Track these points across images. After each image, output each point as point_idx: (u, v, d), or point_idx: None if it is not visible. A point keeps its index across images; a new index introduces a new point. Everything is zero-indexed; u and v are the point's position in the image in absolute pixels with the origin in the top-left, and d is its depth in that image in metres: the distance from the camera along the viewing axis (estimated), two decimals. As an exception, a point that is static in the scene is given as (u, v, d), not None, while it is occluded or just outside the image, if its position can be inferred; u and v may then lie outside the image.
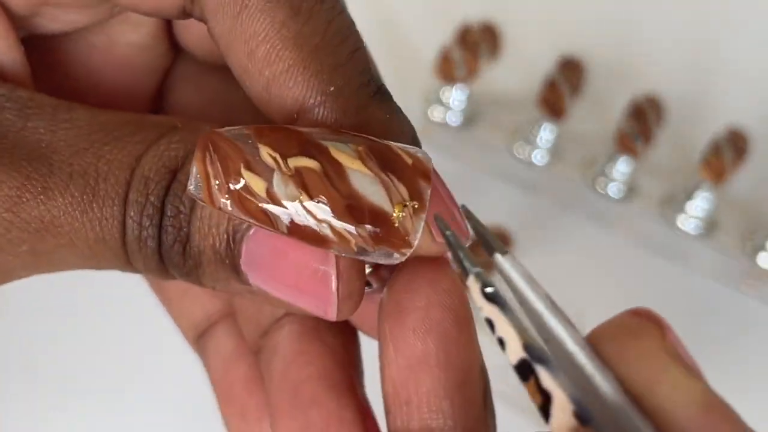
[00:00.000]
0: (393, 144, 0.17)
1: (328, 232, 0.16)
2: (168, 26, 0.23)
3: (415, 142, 0.18)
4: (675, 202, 0.52)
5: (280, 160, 0.16)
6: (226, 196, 0.16)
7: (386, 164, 0.16)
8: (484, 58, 0.54)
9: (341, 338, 0.22)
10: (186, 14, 0.18)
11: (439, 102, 0.55)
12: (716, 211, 0.51)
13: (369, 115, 0.17)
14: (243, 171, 0.16)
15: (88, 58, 0.22)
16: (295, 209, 0.16)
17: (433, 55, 0.54)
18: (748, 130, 0.51)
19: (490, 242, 0.16)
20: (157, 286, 0.25)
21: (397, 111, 0.18)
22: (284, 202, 0.16)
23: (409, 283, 0.18)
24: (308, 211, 0.16)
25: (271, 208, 0.16)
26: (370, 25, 0.64)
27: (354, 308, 0.18)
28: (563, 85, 0.52)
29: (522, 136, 0.54)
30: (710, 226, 0.51)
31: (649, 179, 0.54)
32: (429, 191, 0.17)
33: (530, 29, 0.63)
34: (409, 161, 0.17)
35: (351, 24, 0.18)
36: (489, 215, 0.50)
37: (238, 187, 0.16)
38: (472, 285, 0.16)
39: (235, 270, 0.17)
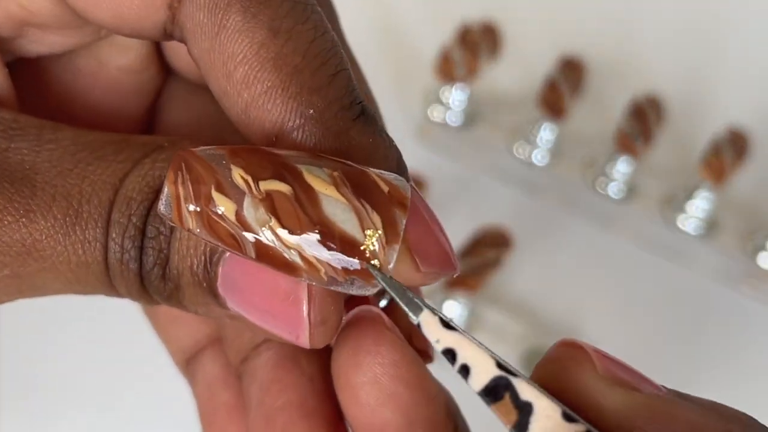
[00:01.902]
0: (371, 170, 0.16)
1: (297, 259, 0.15)
2: (158, 48, 0.23)
3: (400, 167, 0.18)
4: (675, 202, 0.52)
5: (251, 183, 0.15)
6: (196, 217, 0.16)
7: (361, 191, 0.16)
8: (484, 58, 0.54)
9: (320, 365, 0.21)
10: (168, 35, 0.18)
11: (439, 102, 0.55)
12: (716, 211, 0.51)
13: (350, 139, 0.17)
14: (213, 192, 0.15)
15: (76, 81, 0.22)
16: (264, 234, 0.15)
17: (433, 55, 0.54)
18: (748, 130, 0.51)
19: (415, 301, 0.16)
20: (148, 311, 0.25)
21: (379, 134, 0.17)
22: (253, 226, 0.15)
23: (354, 356, 0.18)
24: (278, 237, 0.15)
25: (239, 233, 0.15)
26: (370, 26, 0.64)
27: (330, 336, 0.17)
28: (563, 85, 0.52)
29: (522, 136, 0.54)
30: (710, 226, 0.51)
31: (649, 179, 0.54)
32: (404, 221, 0.16)
33: (530, 29, 0.63)
34: (386, 189, 0.16)
35: (334, 45, 0.17)
36: (489, 215, 0.50)
37: (207, 209, 0.16)
38: (428, 319, 0.15)
39: (213, 293, 0.17)
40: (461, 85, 0.54)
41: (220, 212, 0.15)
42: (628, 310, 0.50)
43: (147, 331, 0.25)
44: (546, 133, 0.53)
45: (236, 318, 0.17)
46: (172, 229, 0.17)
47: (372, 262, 0.16)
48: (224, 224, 0.16)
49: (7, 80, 0.19)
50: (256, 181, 0.15)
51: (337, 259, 0.15)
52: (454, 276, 0.18)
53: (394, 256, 0.16)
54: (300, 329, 0.17)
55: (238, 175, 0.16)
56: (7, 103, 0.19)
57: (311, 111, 0.17)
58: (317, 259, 0.15)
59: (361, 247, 0.16)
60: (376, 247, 0.16)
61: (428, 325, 0.16)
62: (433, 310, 0.16)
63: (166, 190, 0.16)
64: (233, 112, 0.17)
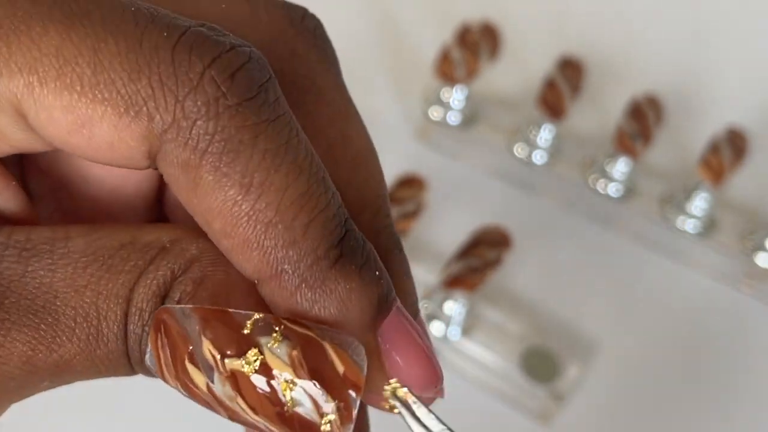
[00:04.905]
0: (330, 347, 0.17)
1: (263, 428, 0.17)
2: None
3: (381, 303, 0.18)
4: (674, 202, 0.52)
5: (218, 360, 0.16)
6: (176, 381, 0.17)
7: (317, 374, 0.16)
8: (484, 58, 0.54)
9: None
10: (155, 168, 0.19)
11: (439, 102, 0.55)
12: (715, 210, 0.52)
13: (324, 290, 0.17)
14: (187, 364, 0.17)
15: (89, 164, 0.23)
16: (232, 406, 0.17)
17: (433, 55, 0.54)
18: (747, 130, 0.51)
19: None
20: None
21: (359, 274, 0.18)
22: (221, 399, 0.17)
23: None
24: (244, 411, 0.17)
25: (210, 400, 0.17)
26: (370, 25, 0.64)
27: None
28: (563, 85, 0.52)
29: (522, 136, 0.54)
30: (709, 225, 0.52)
31: (648, 179, 0.54)
32: (358, 402, 0.17)
33: (530, 29, 0.63)
34: (341, 369, 0.17)
35: (310, 186, 0.17)
36: (489, 215, 0.50)
37: (183, 374, 0.17)
38: None
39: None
40: (461, 85, 0.54)
41: (194, 382, 0.17)
42: (627, 309, 0.50)
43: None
44: (546, 133, 0.54)
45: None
46: None
47: None
48: (198, 391, 0.17)
49: (19, 193, 0.20)
50: (223, 358, 0.16)
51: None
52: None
53: None
54: None
55: (207, 349, 0.17)
56: (22, 215, 0.20)
57: (286, 266, 0.17)
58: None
59: (319, 429, 0.16)
60: (331, 430, 0.16)
61: None
62: None
63: (149, 348, 0.17)
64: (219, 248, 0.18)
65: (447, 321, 0.45)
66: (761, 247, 0.50)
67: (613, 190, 0.53)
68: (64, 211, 0.23)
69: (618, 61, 0.62)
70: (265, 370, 0.16)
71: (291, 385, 0.16)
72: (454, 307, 0.45)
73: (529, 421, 0.44)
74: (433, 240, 0.49)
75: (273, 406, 0.16)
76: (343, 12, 0.63)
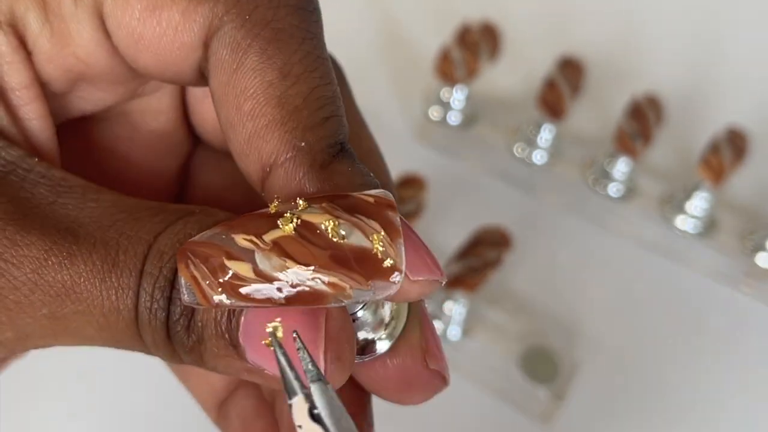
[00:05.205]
0: (353, 193, 0.18)
1: (322, 286, 0.17)
2: (185, 116, 0.25)
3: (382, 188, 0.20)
4: (674, 202, 0.52)
5: (256, 240, 0.17)
6: (220, 290, 0.17)
7: (352, 209, 0.17)
8: (484, 58, 0.54)
9: (353, 394, 0.22)
10: (204, 78, 0.20)
11: (439, 102, 0.55)
12: (715, 210, 0.52)
13: (332, 168, 0.19)
14: (226, 262, 0.17)
15: (114, 146, 0.24)
16: (285, 277, 0.17)
17: (433, 55, 0.54)
18: (748, 130, 0.51)
19: (312, 368, 0.18)
20: (176, 366, 0.26)
21: (358, 164, 0.19)
22: (273, 275, 0.17)
23: None
24: (297, 274, 0.17)
25: (264, 287, 0.17)
26: (370, 26, 0.64)
27: (344, 374, 0.18)
28: (563, 85, 0.52)
29: (522, 136, 0.54)
30: (709, 225, 0.52)
31: (648, 179, 0.54)
32: (398, 219, 0.18)
33: (530, 29, 0.63)
34: (372, 200, 0.18)
35: (333, 95, 0.19)
36: (489, 215, 0.50)
37: (226, 278, 0.17)
38: (299, 404, 0.17)
39: (234, 344, 0.18)
40: (461, 85, 0.54)
41: (240, 275, 0.17)
42: (627, 309, 0.50)
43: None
44: (546, 133, 0.54)
45: (253, 372, 0.18)
46: None
47: (385, 262, 0.17)
48: (246, 284, 0.17)
49: (55, 142, 0.21)
50: (259, 236, 0.17)
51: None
52: (443, 282, 0.19)
53: (402, 249, 0.17)
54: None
55: (241, 239, 0.17)
56: (46, 149, 0.21)
57: (303, 144, 0.19)
58: (340, 279, 0.17)
59: (373, 252, 0.17)
60: (385, 247, 0.17)
61: (296, 410, 0.17)
62: (307, 396, 0.17)
63: (182, 280, 0.17)
64: (236, 143, 0.19)
65: (447, 321, 0.45)
66: (761, 247, 0.50)
67: (613, 190, 0.53)
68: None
69: (618, 61, 0.63)
70: (305, 224, 0.17)
71: (334, 222, 0.17)
72: (454, 307, 0.45)
73: (530, 420, 0.44)
74: (433, 240, 0.49)
75: (324, 250, 0.17)
76: (343, 12, 0.63)
